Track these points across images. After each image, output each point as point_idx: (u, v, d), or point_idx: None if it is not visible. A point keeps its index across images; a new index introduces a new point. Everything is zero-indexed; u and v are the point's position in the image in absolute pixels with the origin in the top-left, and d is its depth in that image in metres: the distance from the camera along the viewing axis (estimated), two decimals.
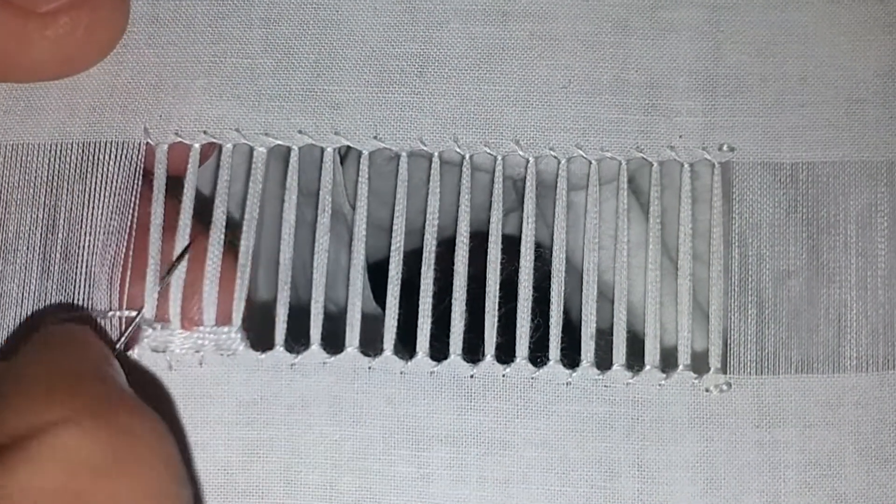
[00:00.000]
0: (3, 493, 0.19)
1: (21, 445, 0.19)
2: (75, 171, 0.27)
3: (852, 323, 0.27)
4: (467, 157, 0.28)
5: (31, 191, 0.27)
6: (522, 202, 0.28)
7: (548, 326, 0.27)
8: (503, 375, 0.27)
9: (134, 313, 0.26)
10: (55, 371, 0.22)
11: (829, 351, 0.27)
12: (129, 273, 0.27)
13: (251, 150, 0.28)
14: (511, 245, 0.28)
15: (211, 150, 0.28)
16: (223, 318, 0.26)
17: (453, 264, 0.27)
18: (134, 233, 0.27)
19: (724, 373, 0.27)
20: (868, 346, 0.27)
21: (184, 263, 0.26)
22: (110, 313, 0.26)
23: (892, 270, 0.28)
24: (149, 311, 0.26)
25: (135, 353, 0.26)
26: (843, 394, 0.27)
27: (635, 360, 0.27)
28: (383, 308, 0.27)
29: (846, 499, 0.27)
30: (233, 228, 0.27)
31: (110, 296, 0.26)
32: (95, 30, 0.26)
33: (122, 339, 0.26)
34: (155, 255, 0.26)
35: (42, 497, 0.19)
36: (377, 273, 0.30)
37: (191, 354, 0.26)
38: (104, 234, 0.27)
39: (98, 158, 0.27)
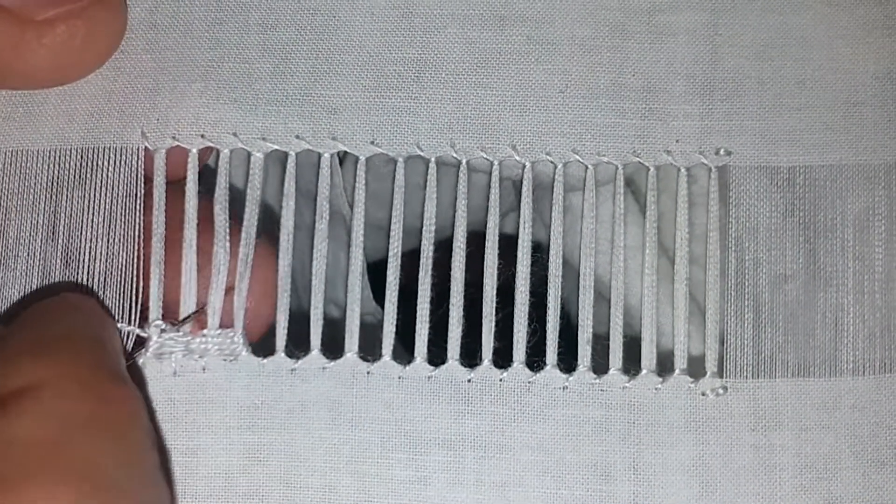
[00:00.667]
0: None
1: (5, 402, 0.21)
2: (74, 177, 0.27)
3: (849, 327, 0.28)
4: (464, 161, 0.28)
5: (31, 197, 0.27)
6: (520, 203, 0.28)
7: (545, 331, 0.27)
8: (500, 380, 0.27)
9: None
10: (47, 335, 0.23)
11: (825, 355, 0.27)
12: (132, 278, 0.27)
13: (249, 155, 0.28)
14: (509, 247, 0.28)
15: (206, 155, 0.28)
16: (226, 322, 0.27)
17: (451, 269, 0.27)
18: (141, 238, 0.27)
19: (721, 377, 0.27)
20: (865, 350, 0.27)
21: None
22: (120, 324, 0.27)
23: (889, 274, 0.28)
24: (154, 317, 0.26)
25: (140, 360, 0.27)
26: (839, 397, 0.27)
27: (632, 364, 0.27)
28: (383, 307, 0.28)
29: (842, 502, 0.27)
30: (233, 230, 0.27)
31: (114, 300, 0.27)
32: (93, 38, 0.26)
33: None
34: (158, 261, 0.27)
35: (22, 448, 0.20)
36: (377, 272, 0.30)
37: (195, 360, 0.27)
38: (105, 240, 0.27)
39: (97, 164, 0.27)
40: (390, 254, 0.27)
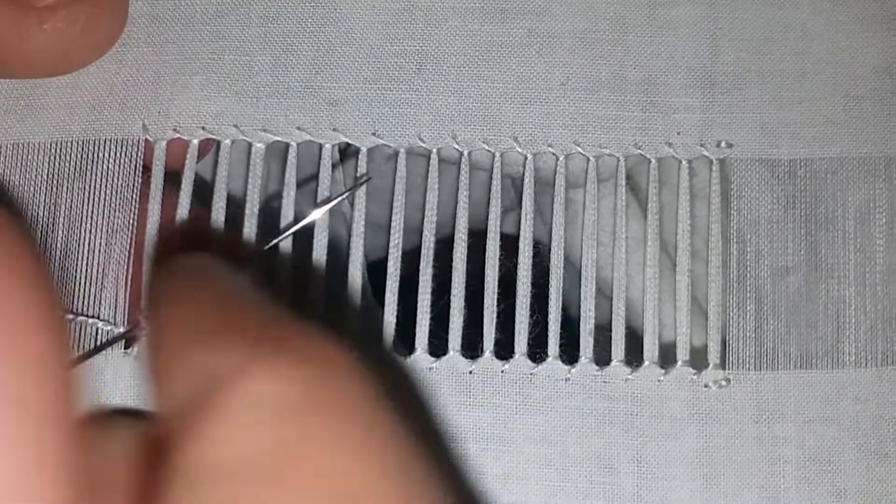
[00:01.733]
0: (193, 474, 0.16)
1: (201, 407, 0.16)
2: (75, 169, 0.27)
3: (851, 319, 0.27)
4: (465, 153, 0.28)
5: (31, 190, 0.27)
6: (521, 200, 0.28)
7: (546, 322, 0.27)
8: (502, 371, 0.27)
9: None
10: (214, 308, 0.19)
11: (827, 347, 0.27)
12: (130, 269, 0.27)
13: (250, 146, 0.28)
14: (509, 243, 0.28)
15: (209, 146, 0.28)
16: None
17: (452, 261, 0.27)
18: (136, 229, 0.27)
19: (723, 368, 0.27)
20: (867, 342, 0.27)
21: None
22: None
23: (891, 266, 0.28)
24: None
25: (134, 351, 0.26)
26: (842, 389, 0.27)
27: (634, 355, 0.27)
28: (382, 306, 0.27)
29: (845, 494, 0.27)
30: (234, 223, 0.27)
31: (114, 294, 0.26)
32: (94, 26, 0.26)
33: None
34: (151, 251, 0.26)
35: (243, 468, 0.15)
36: (376, 272, 0.30)
37: None
38: (105, 231, 0.27)
39: (97, 156, 0.27)
40: (391, 244, 0.27)
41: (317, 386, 0.16)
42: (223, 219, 0.27)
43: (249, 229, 0.27)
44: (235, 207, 0.28)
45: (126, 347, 0.26)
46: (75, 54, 0.27)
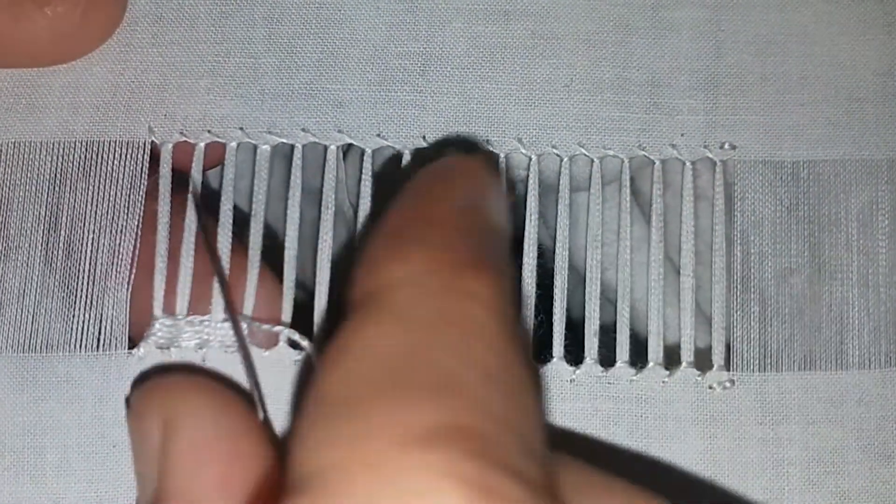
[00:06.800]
0: (347, 350, 0.18)
1: (364, 304, 0.19)
2: (79, 169, 0.27)
3: (854, 320, 0.28)
4: None
5: (34, 189, 0.27)
6: (524, 202, 0.28)
7: (551, 324, 0.27)
8: None
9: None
10: (421, 217, 0.21)
11: (831, 348, 0.27)
12: (134, 270, 0.27)
13: (256, 148, 0.28)
14: (513, 245, 0.28)
15: (219, 153, 0.28)
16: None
17: None
18: (140, 231, 0.27)
19: (728, 370, 0.27)
20: (870, 344, 0.27)
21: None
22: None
23: (894, 268, 0.28)
24: (157, 308, 0.26)
25: (140, 352, 0.26)
26: (845, 391, 0.27)
27: (638, 357, 0.27)
28: None
29: (849, 496, 0.27)
30: (240, 225, 0.27)
31: (117, 294, 0.26)
32: (94, 11, 0.26)
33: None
34: (162, 252, 0.26)
35: (371, 361, 0.18)
36: None
37: (194, 351, 0.26)
38: (109, 231, 0.27)
39: (102, 157, 0.27)
40: None
41: (450, 306, 0.19)
42: (230, 220, 0.27)
43: (255, 230, 0.27)
44: (242, 209, 0.28)
45: (130, 348, 0.26)
46: (76, 40, 0.27)
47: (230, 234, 0.27)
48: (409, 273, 0.19)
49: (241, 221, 0.27)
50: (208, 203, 0.27)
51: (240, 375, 0.26)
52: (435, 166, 0.23)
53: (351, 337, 0.19)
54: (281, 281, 0.27)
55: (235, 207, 0.27)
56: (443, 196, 0.22)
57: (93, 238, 0.27)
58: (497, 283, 0.20)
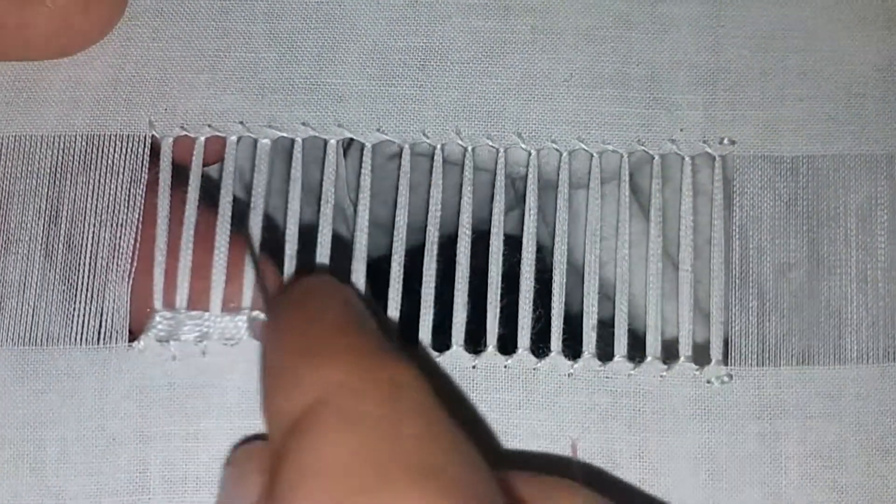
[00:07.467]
0: (301, 465, 0.19)
1: (307, 416, 0.20)
2: (79, 163, 0.27)
3: (853, 315, 0.28)
4: (469, 149, 0.28)
5: (34, 182, 0.27)
6: (523, 198, 0.28)
7: (549, 318, 0.27)
8: (505, 366, 0.27)
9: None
10: (311, 338, 0.22)
11: (829, 343, 0.27)
12: (135, 263, 0.27)
13: (256, 142, 0.28)
14: (512, 240, 0.28)
15: (219, 148, 0.28)
16: (229, 307, 0.27)
17: (455, 257, 0.27)
18: (141, 224, 0.27)
19: (726, 364, 0.27)
20: (869, 339, 0.27)
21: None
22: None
23: (893, 263, 0.28)
24: (157, 301, 0.26)
25: (140, 345, 0.26)
26: (844, 385, 0.27)
27: (637, 351, 0.27)
28: (384, 302, 0.27)
29: (847, 490, 0.27)
30: (240, 218, 0.27)
31: (118, 288, 0.27)
32: (96, 4, 0.26)
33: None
34: (162, 246, 0.27)
35: (321, 474, 0.19)
36: (376, 270, 0.30)
37: (194, 344, 0.26)
38: (109, 225, 0.27)
39: (102, 151, 0.27)
40: (395, 241, 0.27)
41: (386, 398, 0.20)
42: (230, 214, 0.27)
43: (255, 224, 0.27)
44: (242, 203, 0.28)
45: (130, 341, 0.26)
46: (77, 33, 0.27)
47: (228, 227, 0.27)
48: (333, 384, 0.20)
49: (241, 214, 0.28)
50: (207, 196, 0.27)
51: (241, 367, 0.26)
52: (290, 292, 0.25)
53: (312, 451, 0.19)
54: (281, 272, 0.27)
55: (235, 200, 0.28)
56: (320, 310, 0.23)
57: (93, 231, 0.27)
58: (412, 366, 0.21)
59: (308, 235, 0.29)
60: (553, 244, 0.28)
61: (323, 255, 0.27)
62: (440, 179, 0.28)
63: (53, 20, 0.25)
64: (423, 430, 0.20)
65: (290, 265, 0.27)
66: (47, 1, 0.25)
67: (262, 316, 0.26)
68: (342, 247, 0.31)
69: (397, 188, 0.28)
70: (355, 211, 0.28)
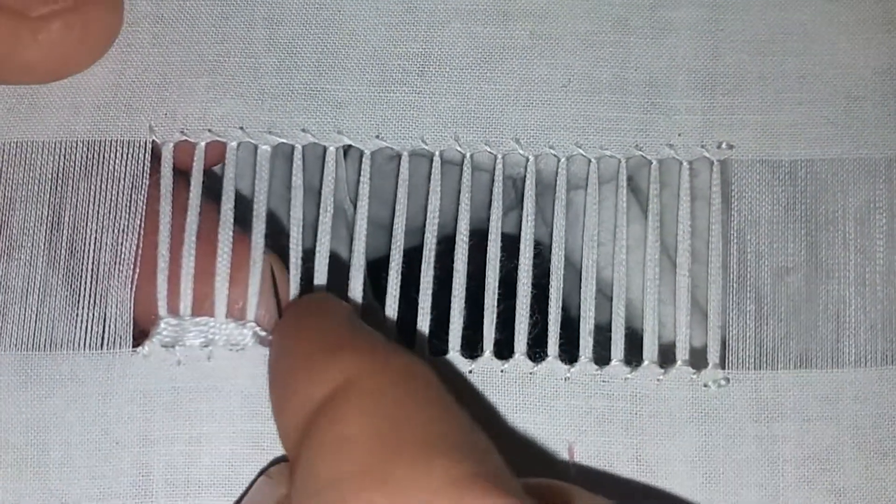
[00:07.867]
0: (331, 435, 0.21)
1: (323, 408, 0.21)
2: (80, 169, 0.27)
3: (851, 319, 0.28)
4: (468, 155, 0.28)
5: (36, 188, 0.27)
6: (522, 201, 0.28)
7: (546, 322, 0.27)
8: (502, 371, 0.27)
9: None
10: (326, 338, 0.24)
11: (827, 346, 0.28)
12: (137, 268, 0.27)
13: (256, 148, 0.28)
14: (510, 243, 0.28)
15: (219, 153, 0.28)
16: (234, 313, 0.27)
17: (453, 261, 0.28)
18: (143, 230, 0.27)
19: (723, 368, 0.27)
20: (867, 342, 0.28)
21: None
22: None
23: (890, 266, 0.28)
24: (161, 307, 0.27)
25: (144, 350, 0.27)
26: (841, 389, 0.27)
27: (633, 355, 0.27)
28: (382, 305, 0.28)
29: (844, 493, 0.27)
30: (242, 222, 0.27)
31: (120, 293, 0.27)
32: (88, 34, 0.26)
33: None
34: (164, 251, 0.27)
35: (351, 440, 0.20)
36: (375, 271, 0.30)
37: (199, 349, 0.27)
38: (111, 230, 0.27)
39: (103, 157, 0.27)
40: (393, 245, 0.28)
41: (397, 390, 0.22)
42: (232, 219, 0.27)
43: (258, 231, 0.27)
44: (243, 209, 0.28)
45: (135, 346, 0.27)
46: (70, 62, 0.27)
47: (231, 231, 0.27)
48: (354, 370, 0.22)
49: (243, 218, 0.28)
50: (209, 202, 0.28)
51: (245, 372, 0.27)
52: (297, 304, 0.27)
53: (341, 421, 0.21)
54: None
55: (237, 203, 0.28)
56: (328, 316, 0.25)
57: (95, 237, 0.27)
58: (420, 359, 0.23)
59: (308, 239, 0.29)
60: (551, 247, 0.28)
61: (321, 263, 0.27)
62: (438, 186, 0.28)
63: (47, 54, 0.26)
64: (440, 410, 0.21)
65: (294, 272, 0.27)
66: (40, 37, 0.25)
67: (263, 333, 0.27)
68: (342, 248, 0.32)
69: (397, 192, 0.28)
70: (355, 211, 0.28)
